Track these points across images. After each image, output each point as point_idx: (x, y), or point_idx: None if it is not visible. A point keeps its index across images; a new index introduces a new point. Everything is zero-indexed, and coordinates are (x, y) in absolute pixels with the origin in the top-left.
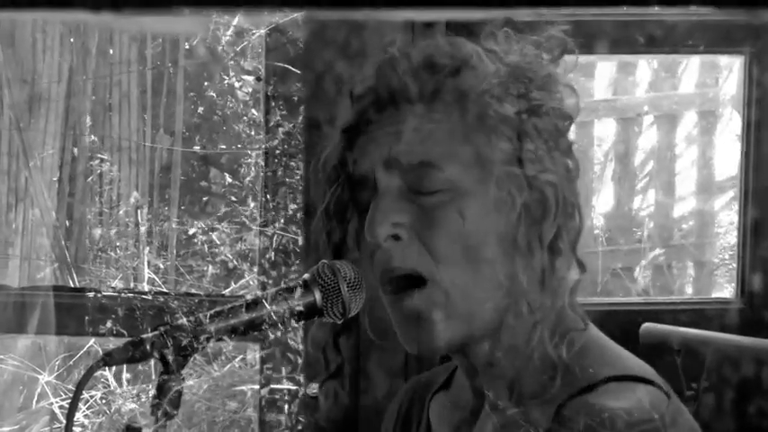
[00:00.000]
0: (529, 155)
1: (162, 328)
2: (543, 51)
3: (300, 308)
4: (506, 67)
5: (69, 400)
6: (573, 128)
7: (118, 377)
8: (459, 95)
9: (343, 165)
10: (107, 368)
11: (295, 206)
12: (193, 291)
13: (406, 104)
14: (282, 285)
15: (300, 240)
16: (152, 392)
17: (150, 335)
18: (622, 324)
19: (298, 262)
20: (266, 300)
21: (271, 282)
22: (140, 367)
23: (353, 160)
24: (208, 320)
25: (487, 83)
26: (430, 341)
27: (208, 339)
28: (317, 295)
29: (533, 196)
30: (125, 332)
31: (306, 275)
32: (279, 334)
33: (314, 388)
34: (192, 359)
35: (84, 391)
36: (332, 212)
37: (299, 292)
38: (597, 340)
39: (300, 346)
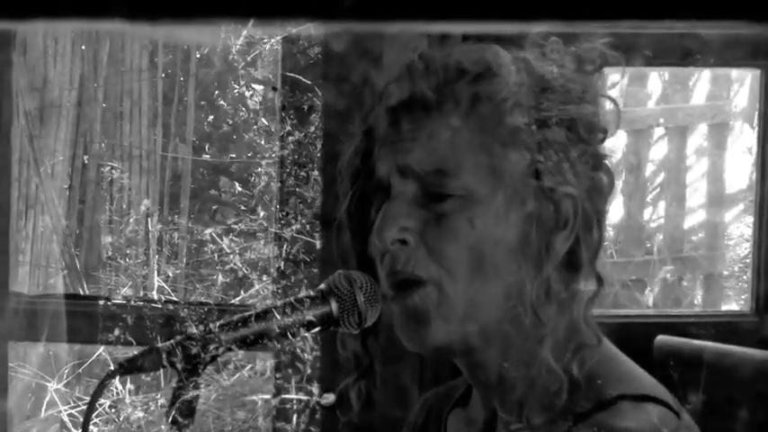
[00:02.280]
0: (547, 166)
1: (177, 338)
2: (584, 63)
3: (316, 318)
4: (532, 76)
5: (79, 409)
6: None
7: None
8: (478, 102)
9: (363, 167)
10: (118, 377)
11: (305, 215)
12: (203, 299)
13: (428, 110)
14: (297, 295)
15: (318, 245)
16: (161, 402)
17: (163, 344)
18: (636, 336)
19: (311, 270)
20: (281, 310)
21: (280, 291)
22: (144, 378)
23: (372, 164)
24: (218, 329)
25: (508, 91)
26: (424, 338)
27: (217, 347)
28: (334, 305)
29: (548, 208)
30: (134, 340)
31: (321, 285)
32: (286, 344)
33: (327, 397)
34: (203, 368)
35: None
36: (353, 214)
37: (314, 302)
38: (610, 355)
39: (308, 357)
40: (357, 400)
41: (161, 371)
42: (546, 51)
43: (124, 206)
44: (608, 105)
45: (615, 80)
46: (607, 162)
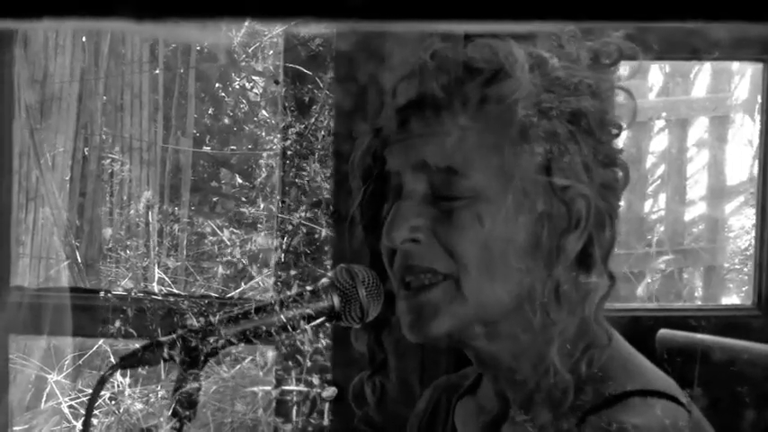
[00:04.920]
0: (560, 165)
1: (178, 331)
2: (600, 57)
3: (317, 312)
4: (546, 74)
5: (79, 401)
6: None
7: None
8: (492, 103)
9: (375, 164)
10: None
11: (305, 207)
12: (203, 291)
13: (440, 109)
14: (298, 290)
15: (325, 234)
16: (161, 394)
17: (164, 338)
18: (637, 330)
19: (311, 261)
20: (282, 304)
21: (281, 283)
22: (144, 370)
23: (384, 161)
24: (218, 322)
25: (522, 91)
26: (430, 330)
27: (217, 340)
28: (336, 300)
29: (560, 208)
30: (134, 332)
31: (323, 280)
32: (287, 337)
33: (329, 390)
34: (204, 361)
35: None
36: (365, 210)
37: (316, 296)
38: (620, 351)
39: (309, 349)
40: (372, 395)
41: (161, 363)
42: (562, 43)
43: (125, 198)
44: (622, 98)
45: (626, 74)
46: (621, 157)
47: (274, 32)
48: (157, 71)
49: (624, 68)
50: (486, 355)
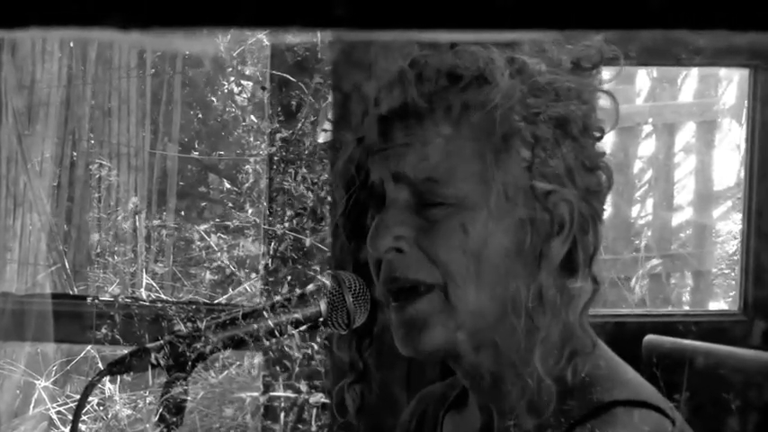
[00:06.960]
0: (543, 171)
1: (166, 337)
2: (581, 61)
3: (304, 318)
4: (527, 78)
5: (67, 407)
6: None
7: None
8: (470, 110)
9: (358, 174)
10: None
11: (292, 212)
12: (191, 297)
13: (421, 118)
14: (285, 295)
15: (308, 242)
16: (149, 400)
17: (152, 344)
18: (624, 335)
19: (299, 267)
20: (269, 309)
21: (268, 289)
22: (131, 377)
23: (366, 171)
24: (206, 328)
25: (500, 98)
26: (419, 343)
27: (204, 345)
28: (322, 306)
29: (543, 213)
30: (122, 338)
31: (310, 286)
32: (274, 343)
33: (318, 397)
34: (191, 367)
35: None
36: (349, 219)
37: (303, 302)
38: (605, 359)
39: (297, 354)
40: (352, 403)
41: (149, 369)
42: (544, 48)
43: (112, 204)
44: (604, 102)
45: (608, 77)
46: (604, 160)
47: (261, 36)
48: (149, 74)
49: (606, 71)
50: (471, 365)
